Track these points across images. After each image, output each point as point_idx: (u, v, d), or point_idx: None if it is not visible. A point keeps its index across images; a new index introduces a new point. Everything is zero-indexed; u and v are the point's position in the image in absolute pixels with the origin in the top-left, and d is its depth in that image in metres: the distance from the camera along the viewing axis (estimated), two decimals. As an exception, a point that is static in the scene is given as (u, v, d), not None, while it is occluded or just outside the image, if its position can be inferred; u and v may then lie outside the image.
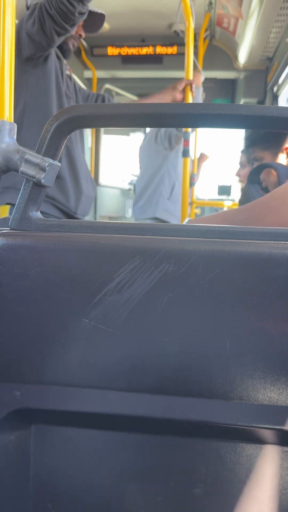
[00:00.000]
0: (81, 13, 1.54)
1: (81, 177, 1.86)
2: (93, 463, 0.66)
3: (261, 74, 3.43)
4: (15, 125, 0.63)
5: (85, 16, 1.58)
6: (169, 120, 0.59)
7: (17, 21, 2.07)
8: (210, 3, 2.92)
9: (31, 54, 1.67)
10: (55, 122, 0.59)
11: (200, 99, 2.58)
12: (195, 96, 2.34)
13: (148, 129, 3.15)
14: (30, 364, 0.60)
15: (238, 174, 2.38)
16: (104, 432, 0.65)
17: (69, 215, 1.85)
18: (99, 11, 1.89)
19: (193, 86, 2.19)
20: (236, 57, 3.38)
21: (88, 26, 1.91)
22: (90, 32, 1.94)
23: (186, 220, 1.47)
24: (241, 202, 1.92)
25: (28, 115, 1.73)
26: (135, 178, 4.09)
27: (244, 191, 1.92)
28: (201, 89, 2.53)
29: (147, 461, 0.65)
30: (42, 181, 0.59)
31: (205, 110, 0.57)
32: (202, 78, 2.51)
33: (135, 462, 0.65)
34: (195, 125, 0.59)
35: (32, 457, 0.66)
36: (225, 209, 3.35)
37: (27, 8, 1.84)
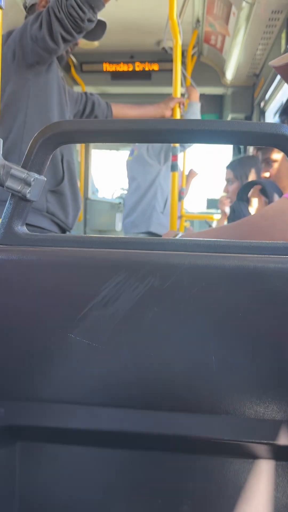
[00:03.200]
0: (90, 20, 1.47)
1: (78, 193, 1.84)
2: (79, 479, 0.65)
3: (248, 90, 3.49)
4: (1, 140, 0.63)
5: (93, 25, 1.51)
6: (153, 136, 0.59)
7: (4, 31, 2.04)
8: (198, 20, 2.97)
9: (34, 60, 1.59)
10: (41, 138, 0.59)
11: (198, 115, 2.61)
12: (193, 111, 2.37)
13: (135, 145, 3.16)
14: (15, 380, 0.59)
15: (226, 190, 2.40)
16: (91, 449, 0.65)
17: (65, 231, 1.83)
18: (101, 18, 1.81)
19: (191, 102, 2.18)
20: (223, 74, 3.43)
21: (88, 33, 1.80)
22: (91, 40, 1.87)
23: (179, 235, 1.48)
24: (230, 219, 1.94)
25: (28, 127, 1.66)
26: (125, 192, 4.10)
27: (233, 208, 1.93)
28: (198, 104, 2.56)
29: (134, 478, 0.64)
30: (28, 195, 0.59)
31: (189, 126, 0.58)
32: (198, 94, 2.55)
33: (122, 479, 0.64)
34: (179, 140, 0.60)
35: (17, 475, 0.65)
36: (214, 223, 3.37)
37: (25, 7, 1.79)
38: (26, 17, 1.80)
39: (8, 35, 1.64)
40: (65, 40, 1.51)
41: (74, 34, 1.49)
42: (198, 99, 2.67)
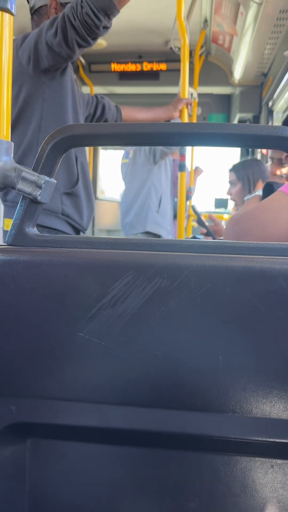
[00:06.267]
0: (106, 27, 1.48)
1: (92, 194, 1.85)
2: (88, 477, 0.66)
3: (256, 90, 3.49)
4: (12, 143, 0.64)
5: (108, 31, 1.51)
6: (161, 139, 0.60)
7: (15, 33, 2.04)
8: (206, 20, 2.98)
9: (49, 65, 1.60)
10: (52, 141, 0.60)
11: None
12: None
13: (129, 147, 3.17)
14: (26, 378, 0.60)
15: (229, 193, 2.41)
16: (100, 446, 0.66)
17: (79, 232, 1.84)
18: None
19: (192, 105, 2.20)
20: (231, 73, 3.43)
21: None
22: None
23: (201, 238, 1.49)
24: None
25: (44, 129, 1.67)
26: None
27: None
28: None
29: (142, 475, 0.65)
30: (38, 198, 0.60)
31: (196, 130, 0.59)
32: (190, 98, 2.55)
33: (130, 476, 0.65)
34: (187, 143, 0.61)
35: (27, 472, 0.66)
36: (223, 222, 3.38)
37: (31, 10, 1.78)
38: (32, 18, 1.80)
39: (23, 39, 1.65)
40: (80, 46, 1.52)
41: (89, 40, 1.50)
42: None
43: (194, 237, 1.66)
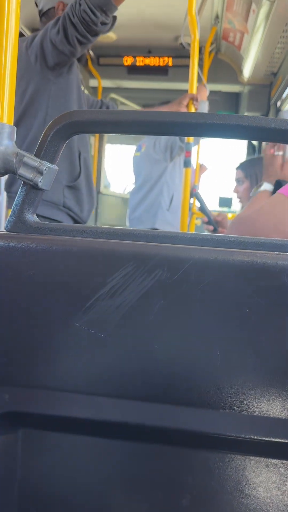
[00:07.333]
0: (104, 23, 1.57)
1: (93, 189, 1.94)
2: (80, 469, 0.65)
3: (265, 89, 3.47)
4: (15, 128, 0.63)
5: (108, 27, 1.60)
6: (166, 128, 0.59)
7: (23, 28, 2.09)
8: (217, 17, 2.96)
9: (54, 62, 1.70)
10: (55, 127, 0.59)
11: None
12: (201, 110, 2.36)
13: (142, 140, 3.15)
14: (20, 367, 0.59)
15: (236, 191, 2.39)
16: (93, 439, 0.65)
17: (79, 224, 1.90)
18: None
19: (198, 100, 2.21)
20: (241, 71, 3.41)
21: None
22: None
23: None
24: None
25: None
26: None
27: None
28: (206, 103, 2.55)
29: (134, 469, 0.65)
30: (39, 184, 0.59)
31: (203, 120, 0.57)
32: (207, 92, 2.53)
33: (122, 470, 0.65)
34: (192, 133, 0.60)
35: (18, 462, 0.65)
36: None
37: (39, 12, 1.88)
38: (40, 21, 1.90)
39: (32, 39, 1.76)
40: (81, 43, 1.61)
41: (88, 36, 1.59)
42: (206, 98, 2.66)
43: None
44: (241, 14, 2.72)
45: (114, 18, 1.90)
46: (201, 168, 3.42)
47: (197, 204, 2.42)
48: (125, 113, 0.59)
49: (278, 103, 3.27)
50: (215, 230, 1.98)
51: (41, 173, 0.59)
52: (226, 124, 0.57)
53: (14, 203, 0.62)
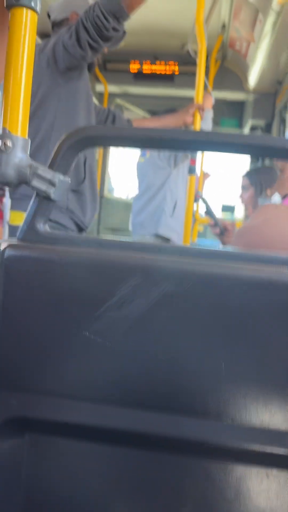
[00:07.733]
0: (115, 30, 1.60)
1: (97, 195, 1.96)
2: (84, 475, 0.66)
3: (270, 97, 3.48)
4: (29, 140, 0.65)
5: (119, 33, 1.64)
6: (172, 145, 0.61)
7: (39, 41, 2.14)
8: (224, 25, 2.98)
9: (65, 66, 1.73)
10: (68, 141, 0.61)
11: (209, 122, 2.61)
12: (205, 118, 2.37)
13: None
14: (29, 373, 0.61)
15: (241, 197, 2.41)
16: (97, 446, 0.66)
17: (81, 228, 1.94)
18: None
19: (204, 109, 2.23)
20: (246, 79, 3.43)
21: None
22: (109, 47, 1.98)
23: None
24: None
25: (57, 128, 1.79)
26: None
27: None
28: (211, 111, 2.56)
29: (137, 477, 0.66)
30: (52, 195, 0.61)
31: (207, 138, 0.59)
32: (212, 100, 2.55)
33: (125, 477, 0.66)
34: (196, 149, 0.62)
35: (24, 466, 0.66)
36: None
37: (52, 23, 1.91)
38: (53, 30, 1.92)
39: (45, 44, 1.80)
40: (91, 47, 1.65)
41: (99, 41, 1.63)
42: (211, 106, 2.67)
43: None
44: (248, 23, 2.74)
45: (124, 32, 1.94)
46: (205, 175, 3.44)
47: (202, 209, 2.42)
48: (135, 130, 0.61)
49: (283, 112, 3.28)
50: (221, 234, 1.98)
51: (53, 185, 0.61)
52: (233, 143, 0.59)
53: (26, 213, 0.63)
